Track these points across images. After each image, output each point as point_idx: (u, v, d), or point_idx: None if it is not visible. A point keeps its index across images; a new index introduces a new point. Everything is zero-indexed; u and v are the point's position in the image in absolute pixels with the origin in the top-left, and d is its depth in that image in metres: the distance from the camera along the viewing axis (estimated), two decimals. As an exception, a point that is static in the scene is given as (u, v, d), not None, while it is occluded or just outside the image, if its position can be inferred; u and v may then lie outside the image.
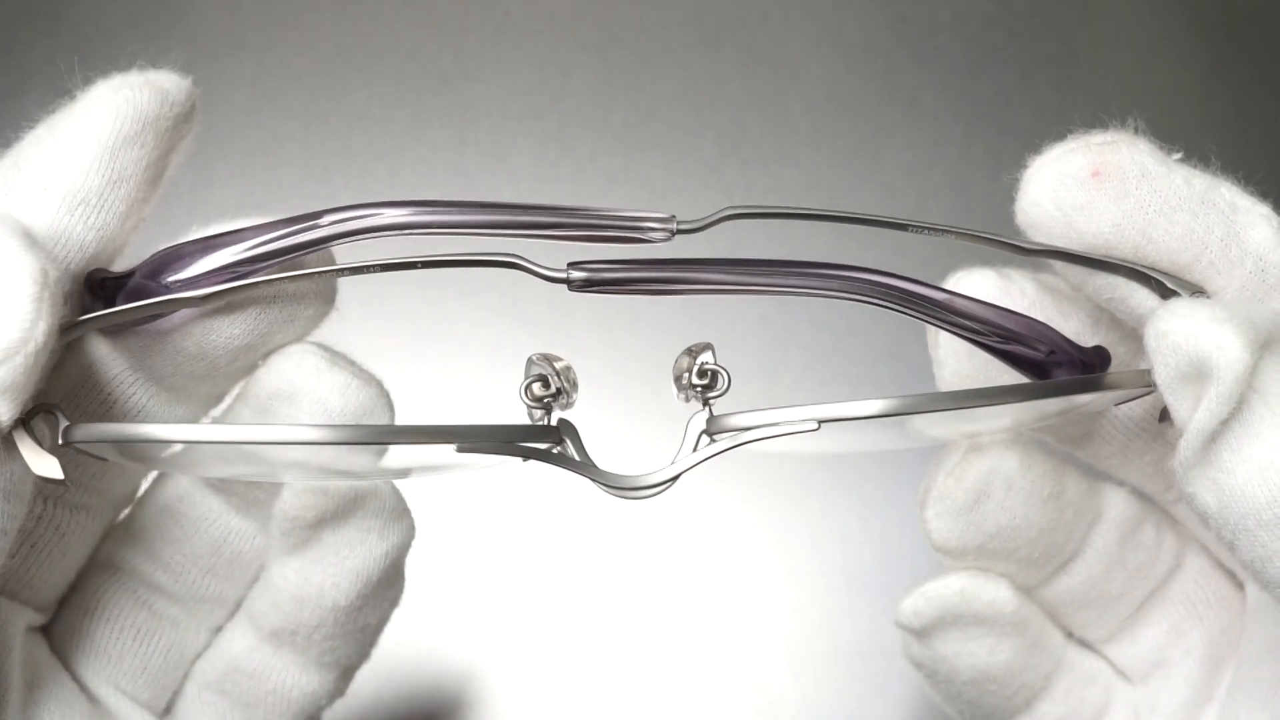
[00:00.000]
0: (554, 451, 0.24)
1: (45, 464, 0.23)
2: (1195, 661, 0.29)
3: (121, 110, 0.24)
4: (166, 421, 0.27)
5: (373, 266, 0.24)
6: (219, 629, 0.29)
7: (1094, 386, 0.24)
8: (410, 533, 0.28)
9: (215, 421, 0.28)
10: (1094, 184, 0.24)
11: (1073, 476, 0.28)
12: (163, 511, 0.28)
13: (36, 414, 0.23)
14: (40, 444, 0.23)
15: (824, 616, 0.44)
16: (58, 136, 0.24)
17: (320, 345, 0.26)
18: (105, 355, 0.26)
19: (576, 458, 0.24)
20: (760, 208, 0.25)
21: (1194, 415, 0.22)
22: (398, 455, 0.25)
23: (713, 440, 0.24)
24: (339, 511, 0.27)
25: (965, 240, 0.25)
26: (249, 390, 0.26)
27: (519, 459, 0.24)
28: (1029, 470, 0.27)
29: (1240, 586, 0.29)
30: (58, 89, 0.25)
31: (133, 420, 0.26)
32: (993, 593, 0.28)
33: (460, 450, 0.23)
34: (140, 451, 0.25)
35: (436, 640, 0.43)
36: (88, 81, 0.25)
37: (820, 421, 0.23)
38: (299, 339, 0.26)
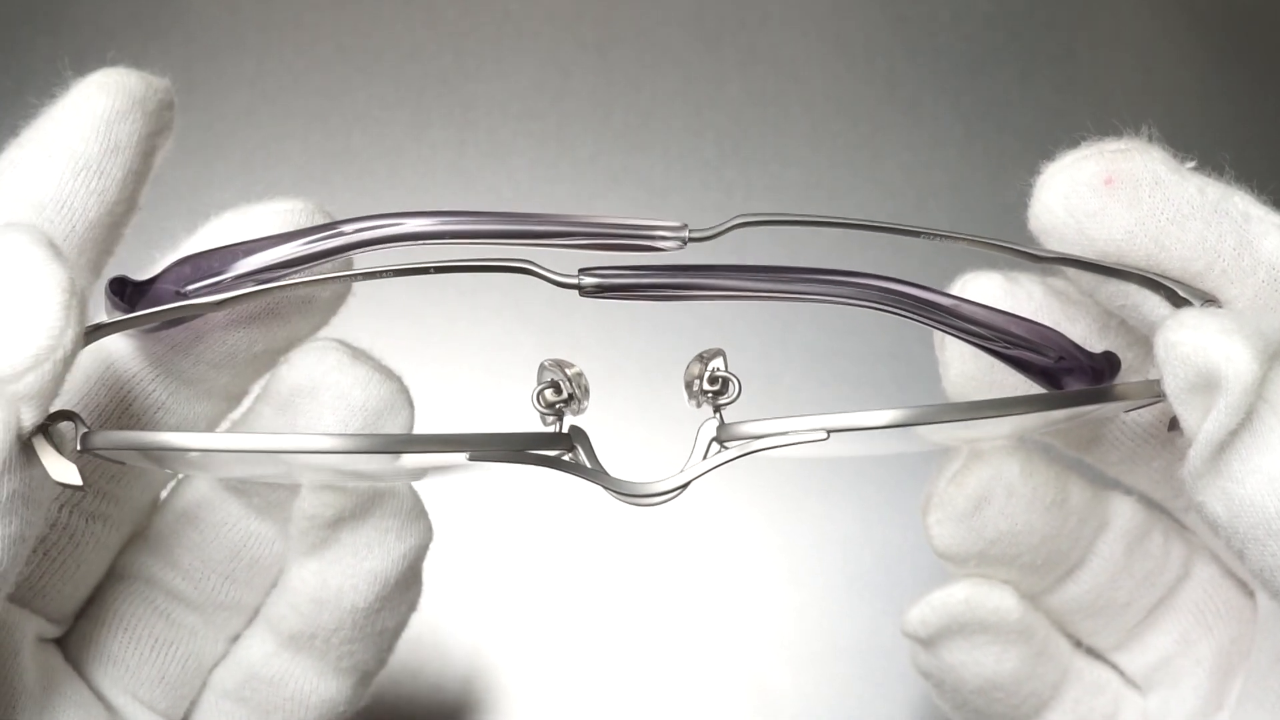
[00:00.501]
0: (565, 459, 0.24)
1: (64, 470, 0.23)
2: (1205, 671, 0.29)
3: (112, 89, 0.26)
4: (187, 418, 0.27)
5: (386, 272, 0.24)
6: (237, 637, 0.29)
7: (1103, 398, 0.24)
8: (428, 534, 0.28)
9: (234, 424, 0.28)
10: (1107, 191, 0.24)
11: (1077, 484, 0.28)
12: (181, 517, 0.28)
13: (57, 420, 0.23)
14: (60, 451, 0.23)
15: (824, 617, 0.44)
16: (56, 116, 0.26)
17: (341, 341, 0.27)
18: (124, 353, 0.26)
19: (588, 465, 0.24)
20: (772, 215, 0.25)
21: (1203, 426, 0.22)
22: (411, 457, 0.25)
23: (723, 448, 0.24)
24: (357, 510, 0.27)
25: (977, 247, 0.25)
26: (270, 387, 0.27)
27: (531, 466, 0.24)
28: (1031, 477, 0.27)
29: (1250, 595, 0.29)
30: (58, 89, 0.26)
31: (152, 417, 0.26)
32: (997, 600, 0.28)
33: (473, 459, 0.23)
34: (158, 454, 0.25)
35: (438, 638, 0.43)
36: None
37: (830, 431, 0.23)
38: (318, 325, 0.27)
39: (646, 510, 0.44)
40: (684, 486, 0.24)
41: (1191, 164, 0.25)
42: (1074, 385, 0.25)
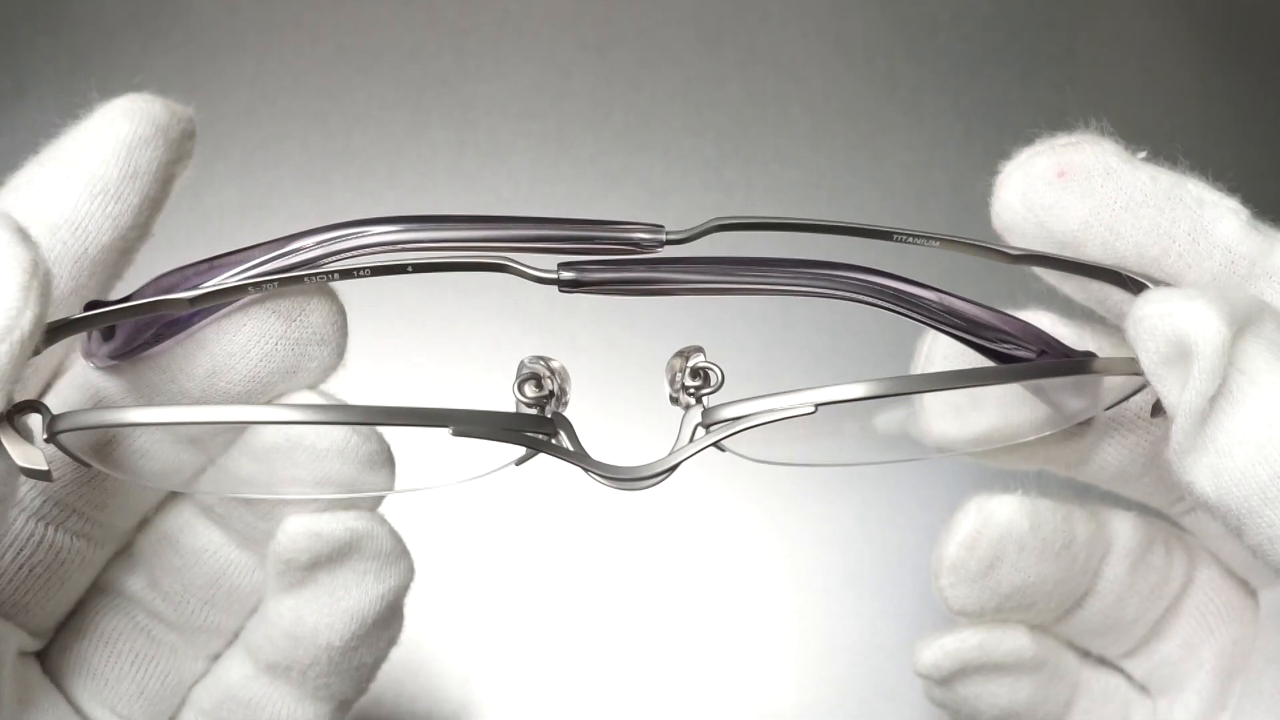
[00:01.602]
0: (551, 442, 0.24)
1: (30, 455, 0.22)
2: (1208, 674, 0.29)
3: (136, 115, 0.25)
4: (169, 463, 0.27)
5: (363, 270, 0.24)
6: (217, 656, 0.29)
7: (1083, 369, 0.25)
8: (408, 574, 0.28)
9: (215, 467, 0.27)
10: (1060, 184, 0.25)
11: (1080, 519, 0.28)
12: (164, 540, 0.28)
13: (25, 411, 0.23)
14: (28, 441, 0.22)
15: (824, 617, 0.44)
16: (79, 137, 0.25)
17: (321, 395, 0.27)
18: (112, 395, 0.26)
19: (571, 449, 0.24)
20: (748, 218, 0.25)
21: (1182, 397, 0.22)
22: (402, 478, 0.25)
23: (708, 432, 0.24)
24: (334, 555, 0.27)
25: (951, 249, 0.25)
26: (247, 440, 0.27)
27: (513, 460, 0.24)
28: (1039, 529, 0.27)
29: (1252, 595, 0.29)
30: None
31: (135, 461, 0.26)
32: (1011, 643, 0.28)
33: (456, 434, 0.23)
34: (124, 460, 0.25)
35: (438, 641, 0.43)
36: (99, 85, 0.26)
37: (816, 405, 0.23)
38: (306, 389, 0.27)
39: (644, 508, 0.44)
40: (670, 470, 0.24)
41: (1143, 154, 0.25)
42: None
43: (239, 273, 0.25)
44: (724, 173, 0.51)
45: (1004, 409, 0.27)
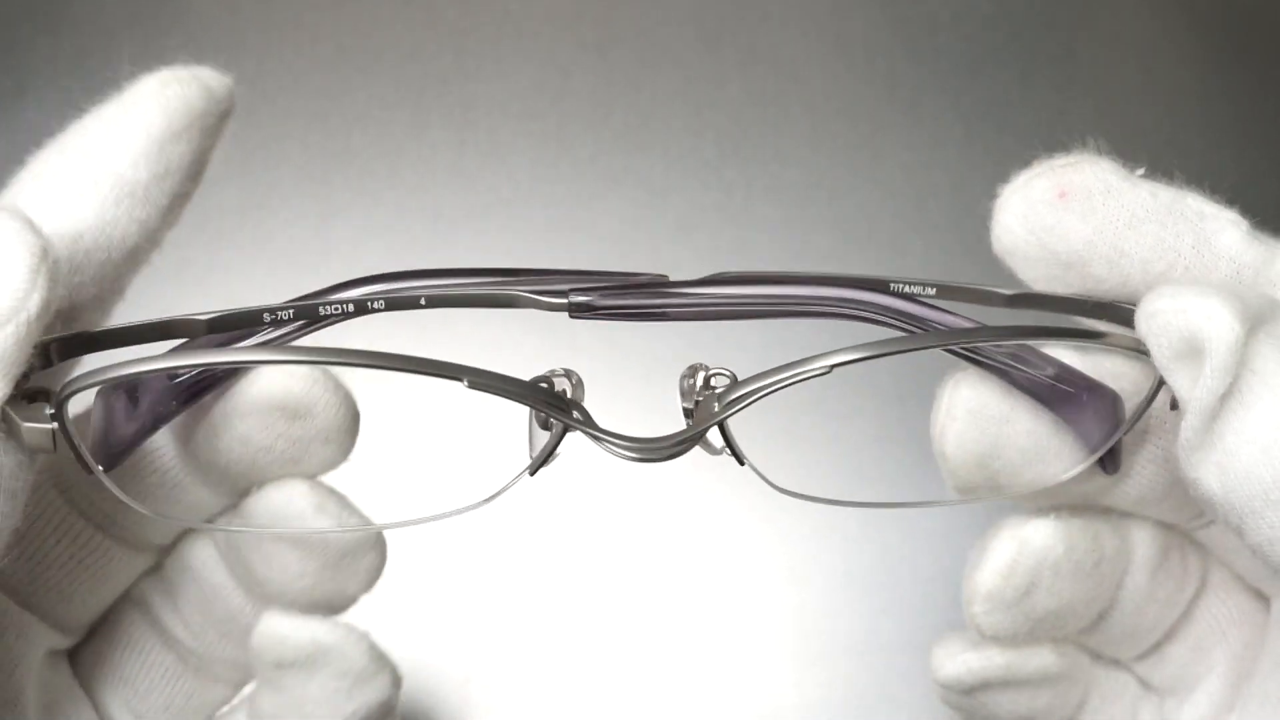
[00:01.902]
0: (574, 414, 0.24)
1: (38, 435, 0.22)
2: (1218, 677, 0.29)
3: (171, 105, 0.24)
4: (200, 499, 0.27)
5: (377, 304, 0.24)
6: (240, 685, 0.29)
7: (1093, 337, 0.25)
8: (385, 691, 0.27)
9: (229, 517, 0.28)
10: (1061, 205, 0.25)
11: (1108, 537, 0.28)
12: (186, 572, 0.28)
13: (35, 399, 0.23)
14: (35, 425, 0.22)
15: (824, 616, 0.44)
16: (106, 127, 0.24)
17: (313, 485, 0.26)
18: (160, 442, 0.26)
19: (582, 420, 0.24)
20: (749, 273, 0.26)
21: (1194, 393, 0.22)
22: (420, 507, 0.25)
23: (728, 406, 0.24)
24: (301, 661, 0.26)
25: (947, 297, 0.25)
26: (241, 510, 0.26)
27: (526, 470, 0.24)
28: (1073, 551, 0.27)
29: (1263, 599, 0.29)
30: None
31: (169, 492, 0.26)
32: (1038, 661, 0.28)
33: (470, 386, 0.23)
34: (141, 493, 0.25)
35: (438, 641, 0.43)
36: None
37: (832, 366, 0.23)
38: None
39: (642, 508, 0.44)
40: (698, 435, 0.24)
41: (1140, 171, 0.25)
42: (1070, 400, 0.26)
43: (259, 339, 0.25)
44: (724, 173, 0.51)
45: (1028, 459, 0.27)
